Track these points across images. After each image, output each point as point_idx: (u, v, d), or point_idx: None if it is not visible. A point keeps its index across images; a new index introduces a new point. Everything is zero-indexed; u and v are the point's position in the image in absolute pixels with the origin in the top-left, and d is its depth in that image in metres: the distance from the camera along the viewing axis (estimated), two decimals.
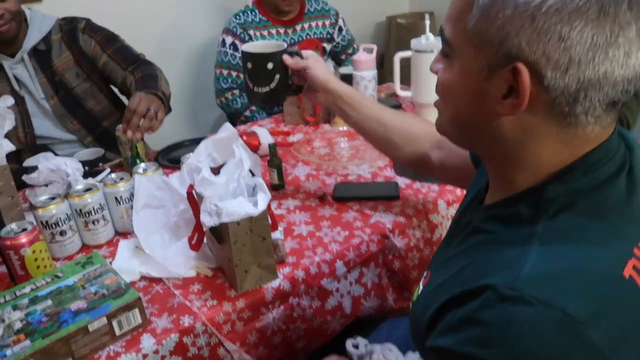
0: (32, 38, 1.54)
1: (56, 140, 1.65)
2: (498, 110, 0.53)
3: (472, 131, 0.59)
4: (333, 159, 1.41)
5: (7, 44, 1.52)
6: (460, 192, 1.17)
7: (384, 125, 1.00)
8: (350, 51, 2.17)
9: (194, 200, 0.96)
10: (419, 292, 0.67)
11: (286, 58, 1.01)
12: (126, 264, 0.99)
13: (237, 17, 1.98)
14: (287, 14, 2.00)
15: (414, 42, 1.44)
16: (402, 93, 1.49)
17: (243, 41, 1.95)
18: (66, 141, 1.67)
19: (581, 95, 0.49)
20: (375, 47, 1.56)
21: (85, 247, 1.09)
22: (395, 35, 2.97)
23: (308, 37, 2.05)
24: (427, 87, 1.44)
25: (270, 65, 1.01)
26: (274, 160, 1.23)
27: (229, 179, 0.90)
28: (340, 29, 2.13)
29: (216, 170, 0.98)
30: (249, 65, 1.03)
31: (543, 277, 0.48)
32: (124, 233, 1.12)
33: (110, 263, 1.00)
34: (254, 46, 1.09)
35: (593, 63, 0.47)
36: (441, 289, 0.58)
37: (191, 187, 0.95)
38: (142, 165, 1.15)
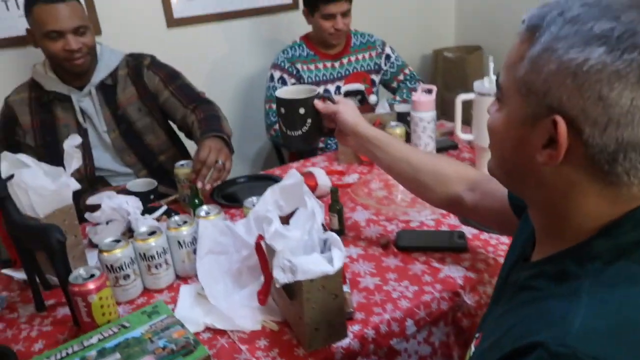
0: (101, 72, 1.58)
1: (113, 172, 1.67)
2: (538, 159, 0.55)
3: (516, 176, 0.61)
4: (392, 202, 1.37)
5: (78, 77, 1.56)
6: None
7: (413, 166, 1.01)
8: (400, 77, 2.15)
9: (262, 252, 0.93)
10: (471, 354, 0.66)
11: (317, 103, 1.06)
12: (189, 313, 0.97)
13: (285, 52, 2.03)
14: (334, 47, 2.02)
15: (476, 85, 1.40)
16: (464, 136, 1.45)
17: (291, 75, 1.98)
18: (122, 174, 1.69)
19: (620, 155, 0.50)
20: (435, 88, 1.53)
21: (146, 291, 1.07)
22: (442, 68, 2.94)
23: (355, 70, 2.06)
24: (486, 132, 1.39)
25: (302, 110, 1.06)
26: (335, 205, 1.20)
27: (302, 232, 0.87)
28: (387, 57, 2.13)
29: (284, 220, 0.95)
30: (282, 110, 1.08)
31: (594, 333, 0.47)
32: (184, 277, 1.11)
33: (173, 310, 0.98)
34: (287, 92, 1.11)
35: (632, 125, 0.48)
36: (492, 349, 0.56)
37: (260, 237, 0.92)
38: (204, 208, 1.14)
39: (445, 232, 1.19)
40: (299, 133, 1.07)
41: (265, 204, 0.99)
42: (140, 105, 1.63)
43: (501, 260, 1.05)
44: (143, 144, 1.67)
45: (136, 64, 1.64)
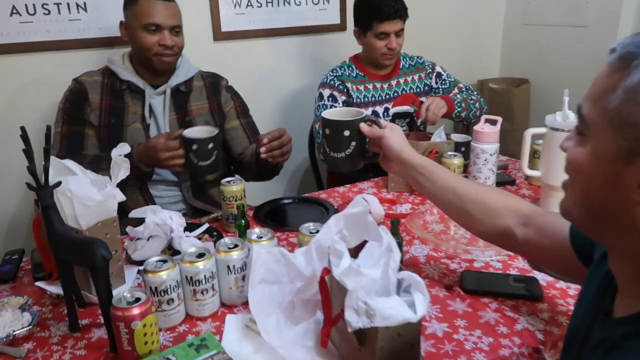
0: (179, 77, 1.62)
1: (159, 177, 1.60)
2: (634, 199, 0.51)
3: (601, 219, 0.56)
4: (451, 238, 1.27)
5: (156, 75, 1.59)
6: None
7: (459, 196, 0.96)
8: (454, 91, 2.06)
9: (326, 288, 0.84)
10: None
11: (363, 126, 1.04)
12: (238, 348, 0.88)
13: (334, 71, 1.97)
14: (384, 68, 1.97)
15: (548, 119, 1.30)
16: (531, 172, 1.34)
17: (341, 92, 1.92)
18: (166, 181, 1.63)
19: None
20: (500, 119, 1.44)
21: (188, 317, 0.98)
22: (487, 99, 2.85)
23: (404, 92, 1.99)
24: (560, 168, 1.29)
25: (347, 133, 1.04)
26: (395, 238, 1.10)
27: (379, 270, 0.77)
28: (439, 74, 2.05)
29: (353, 253, 0.86)
30: (327, 131, 1.06)
31: None
32: (230, 306, 1.01)
33: (219, 341, 0.88)
34: (333, 113, 1.10)
35: None
36: None
37: (326, 271, 0.83)
38: (256, 231, 1.05)
39: (516, 276, 1.08)
40: (342, 155, 1.06)
41: (330, 233, 0.90)
42: (209, 119, 1.66)
43: None
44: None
45: (214, 80, 1.72)
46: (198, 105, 1.65)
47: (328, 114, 1.09)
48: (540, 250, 0.87)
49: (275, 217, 1.42)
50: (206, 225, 1.31)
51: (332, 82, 1.94)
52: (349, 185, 1.64)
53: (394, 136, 1.02)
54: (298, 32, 2.36)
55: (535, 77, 2.87)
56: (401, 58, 2.03)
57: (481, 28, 2.97)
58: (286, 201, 1.51)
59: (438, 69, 2.07)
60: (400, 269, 0.80)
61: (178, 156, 1.33)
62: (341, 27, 2.45)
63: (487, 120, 1.43)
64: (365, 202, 0.93)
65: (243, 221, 1.20)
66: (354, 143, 1.05)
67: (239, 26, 2.22)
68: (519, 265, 1.13)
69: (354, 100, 1.94)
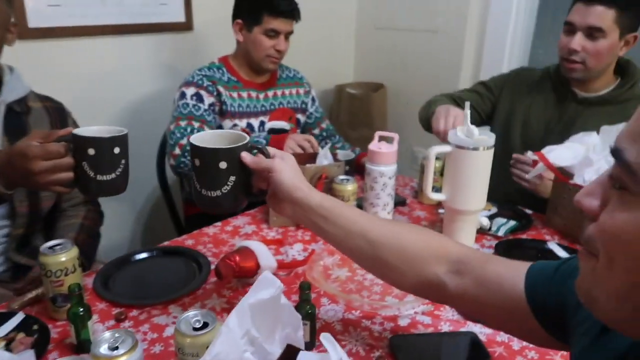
0: (13, 93, 1.18)
1: None
2: None
3: None
4: (361, 287, 1.04)
5: None
6: None
7: (372, 242, 0.76)
8: (323, 125, 1.85)
9: None
10: None
11: (245, 156, 0.81)
12: None
13: (202, 70, 1.62)
14: (262, 75, 1.69)
15: (451, 136, 1.15)
16: (435, 195, 1.18)
17: (210, 93, 1.59)
18: None
19: None
20: (396, 137, 1.25)
21: None
22: (346, 105, 2.73)
23: (281, 105, 1.73)
24: (466, 190, 1.15)
25: (223, 165, 0.79)
26: (305, 307, 0.83)
27: None
28: (313, 100, 1.83)
29: None
30: (197, 161, 0.80)
31: None
32: None
33: None
34: (204, 138, 0.83)
35: None
36: None
37: None
38: (106, 335, 0.69)
39: (452, 335, 0.89)
40: (218, 194, 0.80)
41: (234, 340, 0.59)
42: None
43: None
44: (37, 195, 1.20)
45: (57, 106, 1.28)
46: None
47: (197, 139, 0.81)
48: (481, 305, 0.70)
49: (126, 285, 1.04)
50: (21, 316, 0.88)
51: (200, 81, 1.59)
52: (219, 224, 1.31)
53: (286, 169, 0.80)
54: (132, 31, 1.93)
55: (391, 82, 2.84)
56: (278, 68, 1.75)
57: (334, 32, 2.84)
58: (139, 257, 1.13)
59: (313, 92, 1.86)
60: None
61: (64, 167, 0.88)
62: (187, 26, 2.08)
63: (381, 138, 1.24)
64: (276, 280, 0.64)
65: (80, 309, 0.81)
66: (232, 178, 0.80)
67: (52, 22, 1.72)
68: (449, 316, 0.94)
69: (228, 109, 1.61)
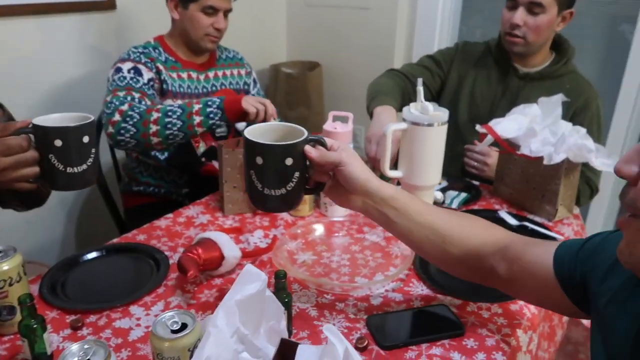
0: None
1: None
2: None
3: None
4: (329, 268, 1.03)
5: None
6: (536, 310, 0.90)
7: (440, 234, 0.79)
8: None
9: None
10: None
11: (310, 150, 0.76)
12: None
13: (137, 48, 1.50)
14: (201, 55, 1.60)
15: (405, 112, 1.16)
16: (392, 173, 1.18)
17: (149, 69, 1.47)
18: None
19: None
20: (351, 116, 1.23)
21: None
22: (283, 84, 2.68)
23: (223, 86, 1.65)
24: (422, 166, 1.17)
25: (289, 161, 0.74)
26: (282, 296, 0.80)
27: None
28: (255, 81, 1.77)
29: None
30: (259, 160, 0.74)
31: None
32: None
33: None
34: (256, 132, 0.77)
35: None
36: None
37: None
38: (74, 349, 0.62)
39: (426, 310, 0.90)
40: (282, 192, 0.75)
41: (224, 340, 0.56)
42: None
43: (513, 342, 0.82)
44: None
45: None
46: None
47: (252, 134, 0.75)
48: (523, 286, 0.76)
49: (78, 290, 0.95)
50: None
51: (137, 57, 1.47)
52: (170, 216, 1.24)
53: (355, 161, 0.78)
54: (52, 11, 1.76)
55: (326, 60, 2.81)
56: (216, 48, 1.66)
57: (265, 10, 2.76)
58: (88, 257, 1.04)
59: (254, 74, 1.79)
60: None
61: (28, 162, 0.79)
62: (109, 4, 1.93)
63: (336, 118, 1.22)
64: (260, 272, 0.61)
65: (33, 321, 0.74)
66: (297, 174, 0.75)
67: None
68: (418, 291, 0.96)
69: (169, 88, 1.50)
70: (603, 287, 0.63)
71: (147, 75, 1.45)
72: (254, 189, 0.76)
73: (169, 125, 1.29)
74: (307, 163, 0.77)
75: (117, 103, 1.34)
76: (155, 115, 1.29)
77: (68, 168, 0.80)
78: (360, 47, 2.66)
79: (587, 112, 1.47)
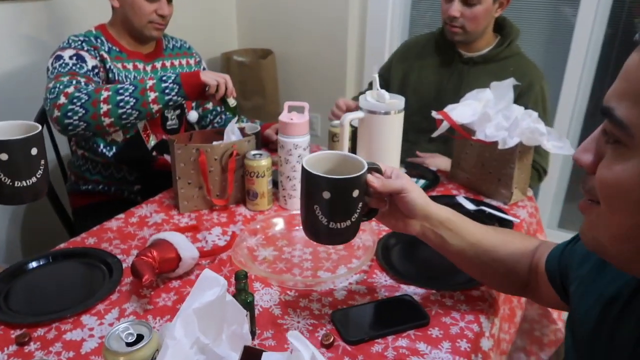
0: None
1: None
2: None
3: None
4: (292, 265, 1.01)
5: None
6: (496, 295, 0.92)
7: (487, 252, 0.82)
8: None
9: None
10: None
11: (373, 180, 0.75)
12: None
13: (79, 37, 1.40)
14: (146, 43, 1.51)
15: (362, 101, 1.14)
16: None
17: (93, 57, 1.37)
18: None
19: None
20: (307, 105, 1.21)
21: None
22: (236, 73, 2.61)
23: None
24: (380, 154, 1.16)
25: (356, 193, 0.72)
26: (243, 296, 0.77)
27: None
28: (205, 70, 1.69)
29: None
30: (326, 194, 0.71)
31: None
32: None
33: None
34: (311, 163, 0.74)
35: None
36: None
37: None
38: None
39: (391, 300, 0.90)
40: (348, 224, 0.73)
41: (182, 352, 0.53)
42: None
43: (476, 328, 0.83)
44: None
45: None
46: None
47: (312, 166, 0.73)
48: (538, 288, 0.81)
49: (23, 301, 0.89)
50: None
51: (79, 45, 1.37)
52: (121, 216, 1.18)
53: (415, 188, 0.79)
54: None
55: (278, 47, 2.76)
56: (162, 37, 1.59)
57: None
58: (32, 265, 0.98)
59: (204, 63, 1.71)
60: None
61: None
62: None
63: (291, 108, 1.19)
64: (219, 277, 0.58)
65: None
66: (360, 204, 0.74)
67: None
68: (382, 282, 0.95)
69: (115, 77, 1.41)
70: (577, 274, 0.66)
71: (91, 62, 1.36)
72: (318, 223, 0.73)
73: (122, 104, 1.20)
74: (366, 194, 0.76)
75: (61, 87, 1.24)
76: (105, 94, 1.21)
77: (16, 182, 0.77)
78: (312, 33, 2.62)
79: (531, 93, 1.51)
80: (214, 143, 1.19)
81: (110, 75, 1.41)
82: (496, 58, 1.56)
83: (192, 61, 1.65)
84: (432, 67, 1.63)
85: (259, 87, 2.65)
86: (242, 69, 2.60)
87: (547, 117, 1.55)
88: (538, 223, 1.34)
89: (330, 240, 0.77)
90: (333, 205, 0.72)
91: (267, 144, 1.55)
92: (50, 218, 1.67)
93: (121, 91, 1.21)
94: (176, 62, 1.60)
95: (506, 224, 1.17)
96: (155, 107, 1.22)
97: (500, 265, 0.81)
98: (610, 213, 0.47)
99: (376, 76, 1.14)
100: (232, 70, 2.61)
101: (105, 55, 1.41)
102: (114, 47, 1.46)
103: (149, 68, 1.52)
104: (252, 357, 0.53)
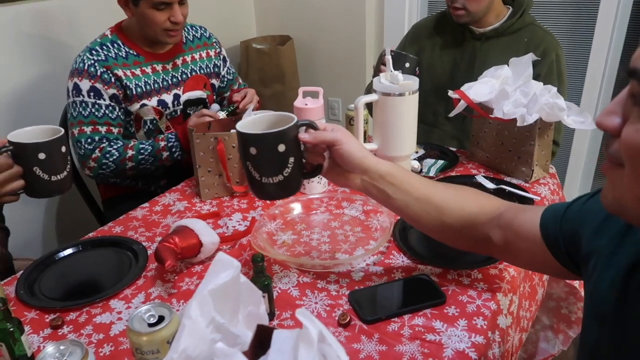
0: None
1: None
2: None
3: None
4: (310, 248, 1.03)
5: None
6: (515, 272, 0.92)
7: (438, 207, 0.80)
8: (235, 87, 1.75)
9: None
10: None
11: (302, 135, 0.77)
12: None
13: (94, 53, 1.40)
14: (165, 45, 1.51)
15: (375, 83, 1.14)
16: (367, 146, 1.17)
17: (108, 84, 1.40)
18: None
19: None
20: (321, 90, 1.21)
21: None
22: (255, 61, 2.63)
23: (194, 73, 1.58)
24: (396, 136, 1.16)
25: (282, 148, 0.76)
26: (260, 279, 0.80)
27: None
28: (225, 60, 1.71)
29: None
30: (253, 150, 0.76)
31: None
32: None
33: None
34: (247, 124, 0.79)
35: None
36: None
37: None
38: (50, 351, 0.62)
39: (409, 281, 0.91)
40: (280, 178, 0.77)
41: (199, 331, 0.55)
42: None
43: (493, 306, 0.83)
44: None
45: None
46: None
47: (244, 126, 0.78)
48: (518, 252, 0.77)
49: (56, 288, 0.94)
50: None
51: (93, 69, 1.38)
52: (146, 205, 1.22)
53: (350, 139, 0.79)
54: None
55: (297, 34, 2.76)
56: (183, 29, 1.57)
57: None
58: (64, 253, 1.03)
59: (224, 52, 1.70)
60: None
61: (14, 177, 0.86)
62: None
63: (306, 93, 1.20)
64: (232, 260, 0.60)
65: (9, 325, 0.72)
66: (292, 159, 0.77)
67: None
68: (399, 262, 0.96)
69: (133, 92, 1.44)
70: (592, 247, 0.64)
71: (107, 94, 1.40)
72: (252, 179, 0.78)
73: (142, 161, 1.43)
74: (302, 148, 0.78)
75: (88, 147, 1.41)
76: (130, 153, 1.42)
77: (52, 177, 0.88)
78: (330, 18, 2.61)
79: (546, 60, 1.47)
80: (232, 131, 1.21)
81: (128, 92, 1.43)
82: (509, 31, 1.51)
83: (212, 52, 1.65)
84: (444, 46, 1.60)
85: (278, 74, 2.66)
86: (261, 56, 2.61)
87: (563, 86, 1.50)
88: (561, 200, 1.32)
89: (265, 195, 0.82)
90: (260, 161, 0.76)
91: None
92: (81, 209, 1.74)
93: (142, 151, 1.42)
94: (197, 56, 1.59)
95: (527, 201, 1.16)
96: (167, 163, 1.45)
97: (453, 220, 0.80)
98: (635, 174, 0.46)
99: (389, 57, 1.14)
100: (251, 58, 2.63)
101: (120, 73, 1.41)
102: (131, 51, 1.45)
103: (169, 66, 1.52)
104: (265, 335, 0.55)
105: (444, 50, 1.60)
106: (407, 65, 1.21)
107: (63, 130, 0.89)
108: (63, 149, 0.89)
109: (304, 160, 0.80)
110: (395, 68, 1.13)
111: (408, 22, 2.47)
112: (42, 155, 0.86)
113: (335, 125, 0.80)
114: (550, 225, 0.72)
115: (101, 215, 1.69)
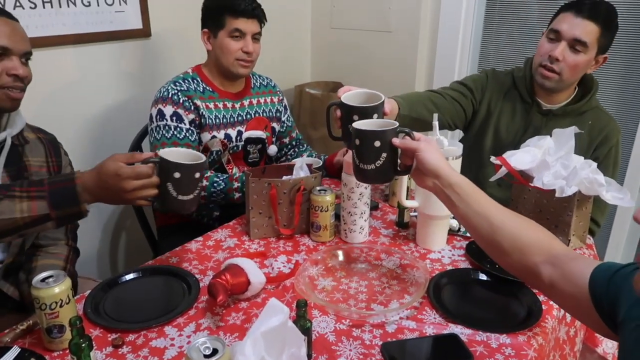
0: (18, 125, 1.21)
1: None
2: None
3: None
4: (348, 296, 1.10)
5: None
6: (544, 342, 0.95)
7: (493, 225, 0.90)
8: (293, 135, 1.88)
9: None
10: None
11: (395, 140, 0.97)
12: None
13: (177, 84, 1.59)
14: (235, 84, 1.68)
15: None
16: (409, 203, 1.25)
17: (188, 110, 1.56)
18: None
19: None
20: None
21: None
22: (307, 105, 2.77)
23: (257, 114, 1.73)
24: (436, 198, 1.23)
25: (377, 144, 0.96)
26: (302, 322, 0.87)
27: None
28: (286, 108, 1.86)
29: None
30: (357, 141, 0.98)
31: None
32: None
33: None
34: (364, 122, 1.01)
35: None
36: None
37: None
38: None
39: (439, 338, 0.96)
40: (372, 167, 0.97)
41: None
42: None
43: None
44: None
45: (50, 138, 1.32)
46: (37, 162, 1.24)
47: (360, 124, 0.99)
48: (563, 295, 0.83)
49: (118, 309, 1.04)
50: (16, 350, 0.88)
51: (176, 97, 1.56)
52: (200, 239, 1.33)
53: (430, 150, 0.95)
54: (90, 40, 1.88)
55: (348, 81, 2.89)
56: (251, 76, 1.77)
57: (290, 32, 2.86)
58: (126, 278, 1.14)
59: (285, 101, 1.87)
60: None
61: (151, 185, 1.00)
62: (144, 32, 2.05)
63: None
64: (283, 307, 0.68)
65: (82, 340, 0.83)
66: (384, 155, 0.97)
67: None
68: (431, 319, 1.02)
69: (207, 122, 1.60)
70: (632, 315, 0.68)
71: (187, 119, 1.56)
72: (354, 163, 1.00)
73: (214, 195, 1.53)
74: (398, 151, 0.98)
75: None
76: (204, 182, 1.51)
77: (179, 195, 1.01)
78: (382, 68, 2.73)
79: (607, 144, 1.48)
80: (284, 178, 1.32)
81: (203, 120, 1.59)
82: (575, 112, 1.50)
83: (275, 99, 1.81)
84: (511, 113, 1.58)
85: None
86: (313, 101, 2.75)
87: (616, 172, 1.51)
88: None
89: (361, 178, 1.01)
90: (360, 150, 0.97)
91: (333, 173, 1.66)
92: (135, 236, 1.88)
93: (215, 185, 1.52)
94: (262, 100, 1.76)
95: None
96: (238, 200, 1.51)
97: (505, 241, 0.88)
98: None
99: (436, 123, 1.22)
100: (304, 101, 2.77)
101: (199, 103, 1.58)
102: (207, 88, 1.63)
103: (237, 105, 1.68)
104: None
105: (511, 119, 1.58)
106: (375, 116, 1.09)
107: (204, 159, 1.03)
108: (197, 174, 1.01)
109: (398, 160, 0.98)
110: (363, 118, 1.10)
111: (458, 74, 2.55)
112: (177, 174, 0.99)
113: (427, 137, 0.97)
114: (598, 281, 0.76)
115: (155, 242, 1.82)
